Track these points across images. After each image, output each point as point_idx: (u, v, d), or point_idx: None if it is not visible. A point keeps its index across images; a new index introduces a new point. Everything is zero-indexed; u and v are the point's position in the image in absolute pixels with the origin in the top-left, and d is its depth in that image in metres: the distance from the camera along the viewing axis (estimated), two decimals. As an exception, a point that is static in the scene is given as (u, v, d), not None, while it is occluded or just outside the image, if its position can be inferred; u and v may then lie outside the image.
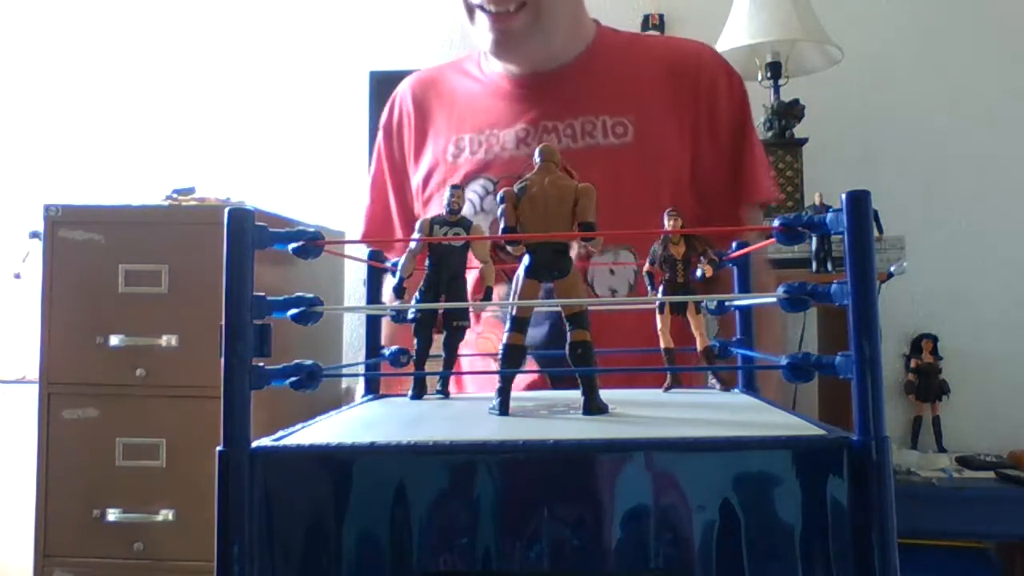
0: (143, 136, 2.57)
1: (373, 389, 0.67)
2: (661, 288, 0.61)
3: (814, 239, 1.78)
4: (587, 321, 0.51)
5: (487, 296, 0.59)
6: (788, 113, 1.97)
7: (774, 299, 0.44)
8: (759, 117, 1.95)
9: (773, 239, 0.45)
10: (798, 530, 0.38)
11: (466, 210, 1.13)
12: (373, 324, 0.68)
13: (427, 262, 0.59)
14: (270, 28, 2.57)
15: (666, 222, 0.60)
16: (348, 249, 1.51)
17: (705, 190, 1.15)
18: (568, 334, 0.50)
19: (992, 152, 2.28)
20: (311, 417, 0.51)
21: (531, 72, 1.16)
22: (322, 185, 2.46)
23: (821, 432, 0.41)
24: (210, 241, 1.57)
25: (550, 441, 0.40)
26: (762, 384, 0.65)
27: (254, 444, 0.40)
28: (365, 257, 0.67)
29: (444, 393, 0.62)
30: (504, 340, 0.51)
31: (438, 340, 0.61)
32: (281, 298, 0.45)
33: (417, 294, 0.59)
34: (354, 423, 0.50)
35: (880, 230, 1.86)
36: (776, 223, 0.44)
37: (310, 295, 0.47)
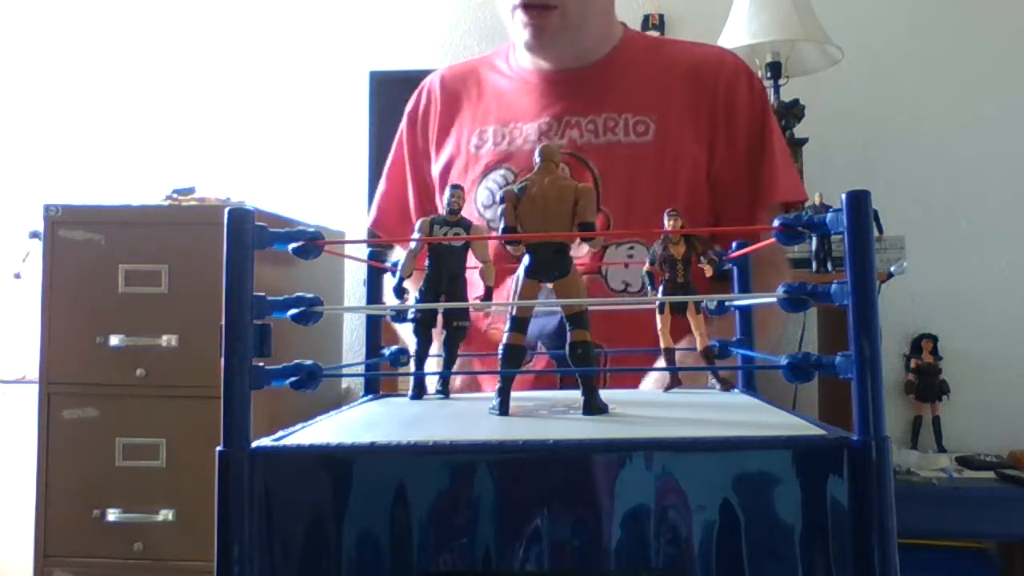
0: (143, 136, 2.57)
1: (373, 389, 0.67)
2: (661, 288, 0.61)
3: (814, 239, 1.79)
4: (587, 321, 0.51)
5: (487, 296, 0.59)
6: (788, 113, 1.97)
7: (774, 299, 0.44)
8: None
9: (774, 239, 0.45)
10: (798, 530, 0.38)
11: (484, 199, 1.15)
12: (373, 324, 0.68)
13: (427, 262, 0.59)
14: (270, 28, 2.57)
15: (666, 222, 0.60)
16: (348, 249, 1.51)
17: (722, 192, 1.16)
18: (568, 334, 0.50)
19: (992, 152, 2.28)
20: (311, 417, 0.51)
21: (560, 68, 1.18)
22: (322, 185, 2.46)
23: (821, 432, 0.41)
24: (210, 241, 1.56)
25: (550, 441, 0.40)
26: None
27: (254, 444, 0.40)
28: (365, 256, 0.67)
29: (444, 393, 0.62)
30: (504, 340, 0.51)
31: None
32: (281, 298, 0.45)
33: (417, 294, 0.59)
34: (354, 423, 0.50)
35: (880, 230, 1.86)
36: (776, 223, 0.44)
37: (310, 295, 0.47)
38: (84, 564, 1.71)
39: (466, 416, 0.52)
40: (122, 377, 1.72)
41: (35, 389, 1.75)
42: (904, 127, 2.30)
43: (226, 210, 0.41)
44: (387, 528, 0.39)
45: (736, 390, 0.63)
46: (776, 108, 2.00)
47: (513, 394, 0.52)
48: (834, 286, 0.40)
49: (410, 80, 1.37)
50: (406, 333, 1.00)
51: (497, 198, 1.15)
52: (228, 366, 0.40)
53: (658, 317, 0.62)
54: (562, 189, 0.51)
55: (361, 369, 0.82)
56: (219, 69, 2.58)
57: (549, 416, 0.50)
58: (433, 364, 0.64)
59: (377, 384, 0.67)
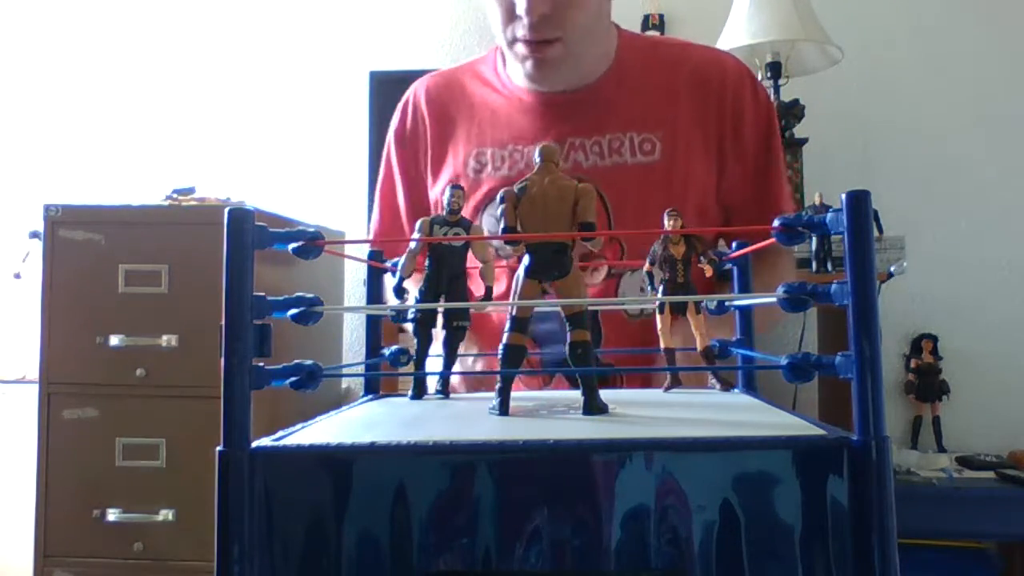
0: (143, 136, 2.57)
1: (373, 389, 0.67)
2: (661, 288, 0.61)
3: (814, 239, 1.78)
4: (587, 321, 0.51)
5: (487, 296, 0.59)
6: (788, 113, 1.97)
7: (774, 299, 0.44)
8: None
9: (773, 239, 0.45)
10: (798, 530, 0.38)
11: (492, 228, 1.11)
12: (373, 324, 0.68)
13: (427, 262, 0.59)
14: (270, 28, 2.57)
15: (666, 222, 0.60)
16: (348, 249, 1.51)
17: (730, 205, 1.14)
18: (568, 334, 0.50)
19: (992, 152, 2.28)
20: (311, 417, 0.51)
21: (558, 91, 1.14)
22: (322, 185, 2.46)
23: (821, 432, 0.41)
24: (210, 241, 1.56)
25: (550, 441, 0.40)
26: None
27: (254, 444, 0.40)
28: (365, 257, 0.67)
29: (444, 393, 0.62)
30: (504, 340, 0.51)
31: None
32: (281, 298, 0.45)
33: (417, 294, 0.59)
34: (354, 423, 0.50)
35: (880, 230, 1.86)
36: (776, 223, 0.44)
37: (310, 295, 0.47)
38: (84, 564, 1.71)
39: (466, 416, 0.52)
40: (122, 377, 1.72)
41: (35, 389, 1.75)
42: (904, 127, 2.30)
43: (226, 210, 0.41)
44: (387, 528, 0.39)
45: (736, 390, 0.63)
46: (776, 108, 2.00)
47: (513, 394, 0.52)
48: (834, 286, 0.40)
49: (410, 80, 1.31)
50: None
51: (498, 208, 1.12)
52: (228, 366, 0.40)
53: (658, 317, 0.62)
54: (562, 189, 0.51)
55: (361, 369, 0.82)
56: (219, 69, 2.58)
57: (549, 416, 0.50)
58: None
59: (377, 384, 0.67)
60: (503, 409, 0.51)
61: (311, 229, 0.48)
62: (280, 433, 0.44)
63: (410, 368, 0.63)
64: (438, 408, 0.56)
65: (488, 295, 0.59)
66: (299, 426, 0.47)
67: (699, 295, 0.64)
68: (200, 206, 1.89)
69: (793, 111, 1.99)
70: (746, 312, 0.64)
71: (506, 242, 0.51)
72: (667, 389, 0.64)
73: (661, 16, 2.34)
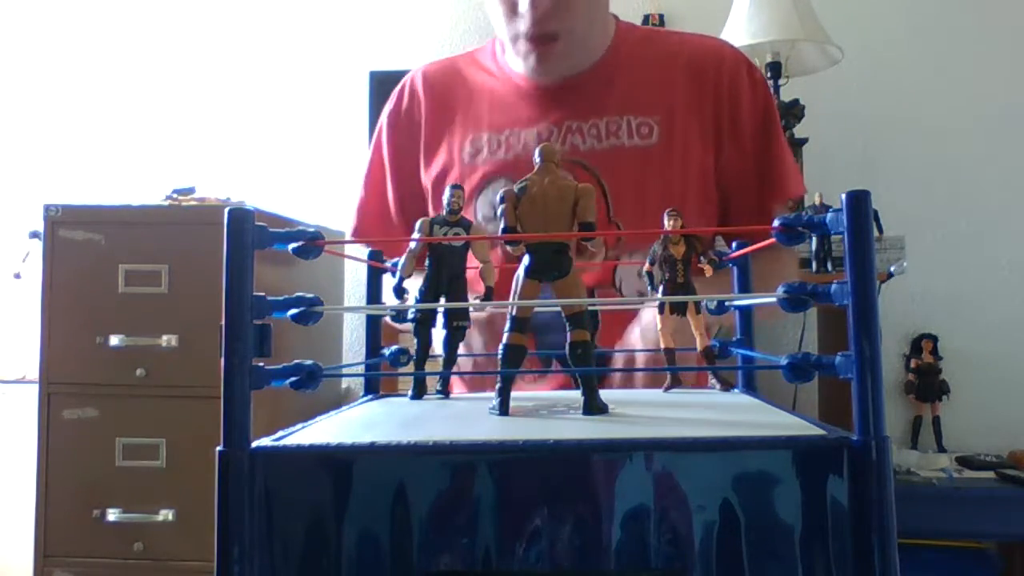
0: (143, 136, 2.57)
1: (373, 389, 0.67)
2: (661, 288, 0.61)
3: (814, 239, 1.79)
4: (587, 321, 0.51)
5: (487, 296, 0.59)
6: (788, 113, 1.97)
7: (774, 299, 0.44)
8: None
9: (774, 239, 0.45)
10: (798, 530, 0.38)
11: (486, 213, 1.11)
12: (373, 324, 0.68)
13: (427, 262, 0.59)
14: (270, 28, 2.57)
15: (666, 222, 0.60)
16: (348, 249, 1.51)
17: (730, 190, 1.14)
18: (568, 334, 0.50)
19: (992, 152, 2.28)
20: (311, 417, 0.51)
21: (558, 80, 1.15)
22: (322, 185, 2.46)
23: (821, 432, 0.41)
24: (210, 241, 1.57)
25: (550, 441, 0.40)
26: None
27: (254, 444, 0.40)
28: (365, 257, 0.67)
29: (444, 393, 0.62)
30: (504, 340, 0.51)
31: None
32: (281, 298, 0.45)
33: (417, 294, 0.59)
34: (354, 423, 0.50)
35: (880, 230, 1.86)
36: (776, 223, 0.44)
37: (310, 295, 0.47)
38: (84, 564, 1.71)
39: (466, 416, 0.52)
40: (122, 377, 1.72)
41: (35, 389, 1.75)
42: (904, 127, 2.30)
43: (226, 210, 0.41)
44: (387, 528, 0.39)
45: (736, 390, 0.63)
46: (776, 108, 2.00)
47: (513, 394, 0.52)
48: (834, 286, 0.40)
49: (410, 80, 1.34)
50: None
51: (498, 211, 1.12)
52: (228, 366, 0.40)
53: (658, 317, 0.62)
54: (562, 189, 0.51)
55: (361, 369, 0.82)
56: (219, 69, 2.58)
57: (549, 416, 0.50)
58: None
59: (377, 384, 0.67)
60: (503, 409, 0.51)
61: (311, 229, 0.48)
62: (280, 433, 0.44)
63: (410, 368, 0.63)
64: (438, 408, 0.56)
65: (488, 295, 0.59)
66: (299, 426, 0.47)
67: (699, 295, 0.64)
68: (200, 206, 1.89)
69: (793, 111, 1.99)
70: (746, 312, 0.64)
71: (506, 242, 0.51)
72: (667, 389, 0.64)
73: (661, 16, 2.34)
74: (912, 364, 2.14)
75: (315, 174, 2.49)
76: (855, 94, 2.29)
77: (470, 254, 0.59)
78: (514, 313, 0.51)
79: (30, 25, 2.66)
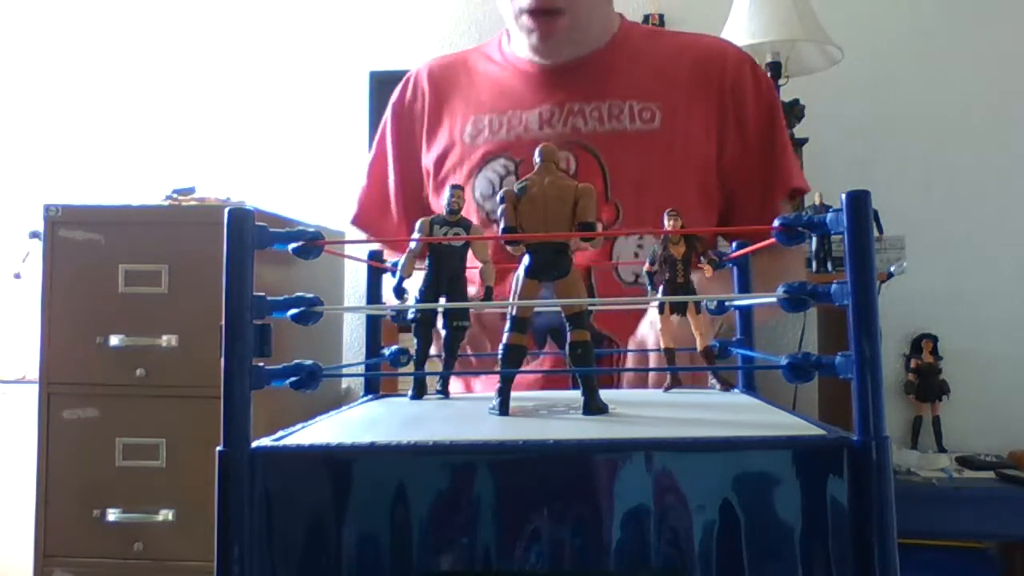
0: (143, 136, 2.57)
1: (373, 389, 0.67)
2: (661, 288, 0.61)
3: (814, 239, 1.79)
4: (587, 321, 0.51)
5: (487, 296, 0.59)
6: (788, 113, 1.97)
7: (774, 299, 0.44)
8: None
9: (774, 239, 0.45)
10: (798, 530, 0.38)
11: (483, 189, 1.13)
12: (373, 324, 0.68)
13: (427, 262, 0.59)
14: (270, 28, 2.57)
15: (666, 222, 0.60)
16: (348, 248, 1.51)
17: (734, 182, 1.15)
18: (568, 334, 0.50)
19: (992, 152, 2.28)
20: (311, 417, 0.51)
21: (561, 62, 1.16)
22: (322, 185, 2.46)
23: (821, 432, 0.41)
24: (210, 241, 1.56)
25: (550, 441, 0.40)
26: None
27: (254, 444, 0.40)
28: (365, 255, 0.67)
29: (444, 393, 0.62)
30: (504, 340, 0.51)
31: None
32: (281, 298, 0.45)
33: (417, 294, 0.59)
34: (354, 423, 0.50)
35: (880, 230, 1.86)
36: (776, 223, 0.44)
37: (310, 295, 0.47)
38: (84, 564, 1.71)
39: (466, 416, 0.52)
40: (122, 377, 1.72)
41: (35, 389, 1.75)
42: (904, 127, 2.30)
43: (226, 210, 0.41)
44: (387, 528, 0.39)
45: (736, 390, 0.63)
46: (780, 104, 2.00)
47: (513, 394, 0.52)
48: (834, 286, 0.40)
49: (410, 80, 1.35)
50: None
51: (497, 188, 1.11)
52: (228, 366, 0.40)
53: (658, 317, 0.62)
54: (562, 189, 0.51)
55: (361, 369, 0.82)
56: (219, 69, 2.58)
57: (549, 416, 0.50)
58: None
59: (377, 384, 0.67)
60: (503, 409, 0.51)
61: (311, 229, 0.48)
62: (280, 433, 0.44)
63: (410, 368, 0.63)
64: (438, 408, 0.56)
65: (488, 295, 0.59)
66: (299, 426, 0.47)
67: (699, 295, 0.64)
68: (200, 206, 1.89)
69: (793, 111, 1.99)
70: (746, 312, 0.64)
71: (506, 242, 0.51)
72: (667, 389, 0.64)
73: (661, 16, 2.34)
74: (912, 364, 2.14)
75: (315, 174, 2.49)
76: (855, 94, 2.29)
77: (470, 254, 0.59)
78: (514, 313, 0.51)
79: (30, 25, 2.66)
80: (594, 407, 0.49)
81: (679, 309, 0.61)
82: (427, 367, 0.61)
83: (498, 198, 0.51)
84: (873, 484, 0.37)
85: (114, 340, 1.72)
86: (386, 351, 0.66)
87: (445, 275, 0.58)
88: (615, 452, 0.39)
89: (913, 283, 2.17)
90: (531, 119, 1.13)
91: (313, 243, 0.47)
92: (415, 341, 0.59)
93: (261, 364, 0.41)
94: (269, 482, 0.39)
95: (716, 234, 1.24)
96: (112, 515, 1.70)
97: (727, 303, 0.64)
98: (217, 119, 2.55)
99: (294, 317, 0.46)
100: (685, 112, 1.12)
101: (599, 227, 0.51)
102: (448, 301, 0.58)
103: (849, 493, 0.38)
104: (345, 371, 1.10)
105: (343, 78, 2.49)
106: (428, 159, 1.21)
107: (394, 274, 0.60)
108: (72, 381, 1.74)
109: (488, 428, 0.47)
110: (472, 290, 0.62)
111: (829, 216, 0.40)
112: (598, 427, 0.45)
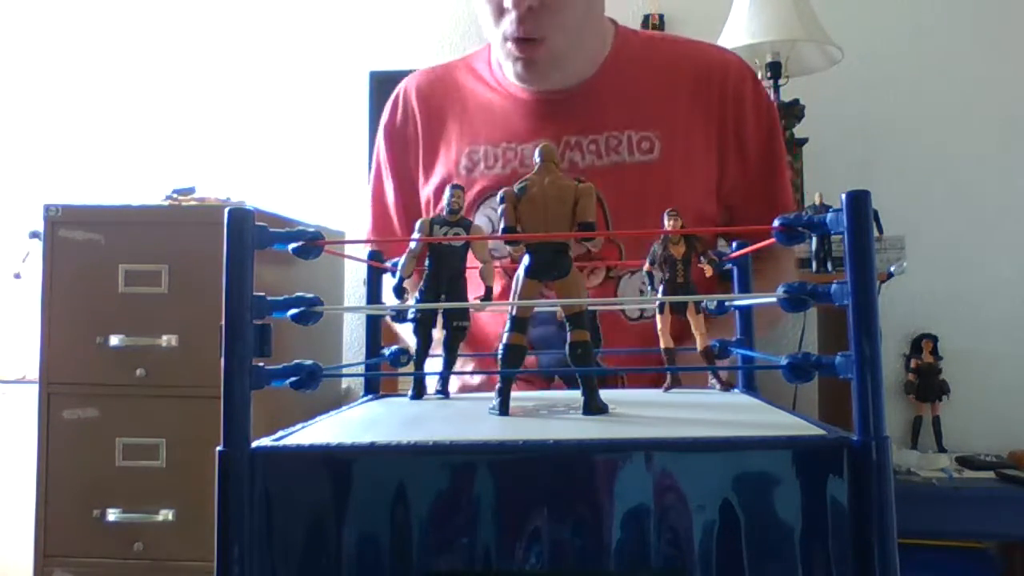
0: (143, 136, 2.57)
1: (373, 389, 0.67)
2: (661, 288, 0.61)
3: (814, 239, 1.78)
4: (587, 321, 0.51)
5: (487, 296, 0.59)
6: (788, 113, 1.97)
7: (774, 299, 0.44)
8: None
9: (773, 239, 0.45)
10: (798, 530, 0.38)
11: (484, 227, 1.08)
12: (373, 324, 0.68)
13: (427, 262, 0.59)
14: (270, 28, 2.57)
15: (666, 222, 0.60)
16: (348, 249, 1.51)
17: (732, 205, 1.14)
18: (568, 334, 0.50)
19: (992, 152, 2.28)
20: (311, 417, 0.51)
21: (552, 90, 1.12)
22: (322, 185, 2.46)
23: (821, 432, 0.41)
24: (210, 241, 1.56)
25: (550, 441, 0.40)
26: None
27: (254, 444, 0.40)
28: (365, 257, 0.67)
29: (444, 393, 0.62)
30: (504, 340, 0.51)
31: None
32: (281, 298, 0.45)
33: (417, 294, 0.59)
34: (354, 423, 0.50)
35: (880, 230, 1.86)
36: (776, 223, 0.44)
37: (310, 295, 0.47)
38: (84, 564, 1.71)
39: (466, 416, 0.52)
40: (122, 377, 1.72)
41: (35, 389, 1.75)
42: (904, 127, 2.30)
43: (226, 210, 0.41)
44: (387, 528, 0.39)
45: (736, 390, 0.63)
46: (776, 108, 2.00)
47: (513, 394, 0.52)
48: (834, 286, 0.40)
49: (410, 80, 1.33)
50: (407, 333, 0.98)
51: (496, 227, 1.08)
52: (228, 366, 0.40)
53: (658, 317, 0.62)
54: (562, 189, 0.51)
55: (361, 369, 0.82)
56: (219, 69, 2.58)
57: (549, 416, 0.50)
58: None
59: (377, 384, 0.67)
60: (503, 409, 0.51)
61: (311, 229, 0.48)
62: (280, 433, 0.44)
63: (410, 368, 0.63)
64: (438, 408, 0.56)
65: (488, 295, 0.59)
66: (299, 426, 0.47)
67: (699, 295, 0.64)
68: (200, 206, 1.89)
69: (793, 111, 1.99)
70: (746, 312, 0.64)
71: (506, 242, 0.51)
72: (667, 389, 0.64)
73: (661, 16, 2.34)
74: (912, 364, 2.13)
75: (315, 174, 2.49)
76: (855, 94, 2.29)
77: (470, 254, 0.59)
78: (514, 313, 0.51)
79: (30, 25, 2.66)
80: (594, 407, 0.49)
81: (679, 309, 0.61)
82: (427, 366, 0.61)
83: (498, 198, 0.51)
84: (873, 484, 0.37)
85: (114, 340, 1.72)
86: (386, 351, 0.66)
87: (445, 275, 0.58)
88: (615, 452, 0.39)
89: (913, 283, 2.17)
90: (527, 153, 1.10)
91: (313, 243, 0.48)
92: (415, 341, 0.59)
93: (261, 364, 0.41)
94: (269, 482, 0.39)
95: (716, 238, 1.23)
96: (112, 515, 1.70)
97: (727, 303, 0.64)
98: (217, 119, 2.55)
99: (294, 317, 0.46)
100: (685, 136, 1.09)
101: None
102: (448, 301, 0.58)
103: (849, 493, 0.38)
104: (345, 371, 1.09)
105: (343, 78, 2.48)
106: (426, 191, 1.18)
107: (394, 274, 0.60)
108: (72, 381, 1.74)
109: (488, 428, 0.47)
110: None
111: (829, 216, 0.40)
112: (598, 427, 0.45)
